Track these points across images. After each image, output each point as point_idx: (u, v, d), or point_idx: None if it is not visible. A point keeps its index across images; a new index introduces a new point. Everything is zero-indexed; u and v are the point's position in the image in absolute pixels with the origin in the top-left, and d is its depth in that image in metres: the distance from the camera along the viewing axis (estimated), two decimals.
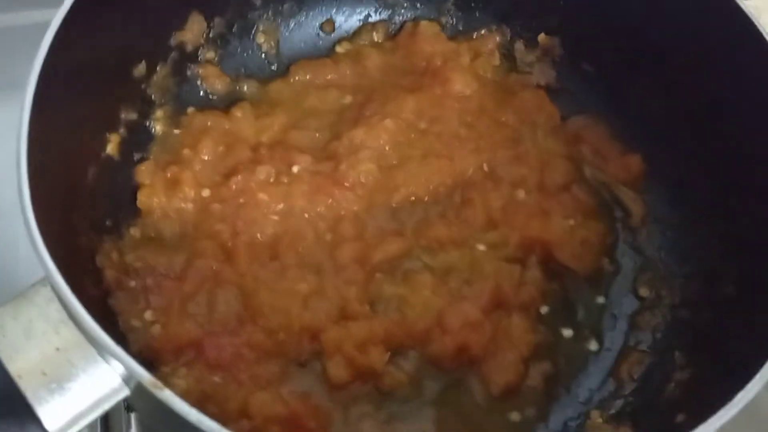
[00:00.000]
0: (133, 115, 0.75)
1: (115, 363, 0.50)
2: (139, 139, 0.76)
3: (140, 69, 0.74)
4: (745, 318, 0.65)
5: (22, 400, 0.48)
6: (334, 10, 0.87)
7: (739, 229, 0.70)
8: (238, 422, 0.63)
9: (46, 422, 0.48)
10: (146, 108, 0.77)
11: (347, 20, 0.88)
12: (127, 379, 0.50)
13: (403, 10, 0.88)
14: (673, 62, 0.76)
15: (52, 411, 0.49)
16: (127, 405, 0.69)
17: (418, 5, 0.88)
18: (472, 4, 0.87)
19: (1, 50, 0.93)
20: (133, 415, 0.71)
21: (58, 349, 0.50)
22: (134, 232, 0.72)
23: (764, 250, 0.67)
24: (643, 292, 0.75)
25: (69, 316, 0.50)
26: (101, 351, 0.50)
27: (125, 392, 0.51)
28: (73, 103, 0.64)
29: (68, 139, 0.64)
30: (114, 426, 0.71)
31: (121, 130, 0.73)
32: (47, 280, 0.51)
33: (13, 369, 0.49)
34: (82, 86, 0.64)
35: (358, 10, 0.88)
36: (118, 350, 0.48)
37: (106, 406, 0.50)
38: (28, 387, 0.49)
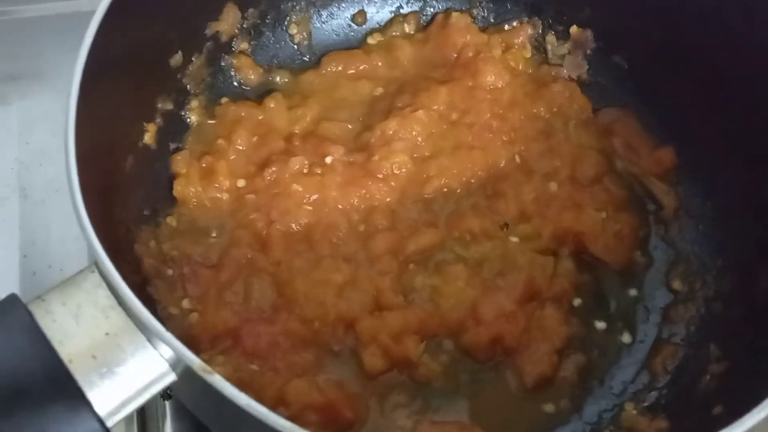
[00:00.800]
0: (169, 105, 0.75)
1: (163, 348, 0.50)
2: (174, 129, 0.76)
3: (176, 59, 0.75)
4: None
5: (72, 383, 0.49)
6: (366, 2, 0.88)
7: None
8: (276, 410, 0.63)
9: (96, 406, 0.49)
10: (181, 98, 0.77)
11: (379, 12, 0.88)
12: (175, 364, 0.51)
13: (434, 2, 0.88)
14: (705, 55, 0.76)
15: (102, 395, 0.49)
16: (164, 393, 0.70)
17: None
18: None
19: (30, 40, 0.94)
20: (168, 404, 0.72)
21: (107, 333, 0.50)
22: (171, 221, 0.73)
23: None
24: (677, 285, 0.75)
25: (118, 301, 0.51)
26: (150, 336, 0.50)
27: (172, 377, 0.51)
28: (114, 92, 0.64)
29: (109, 128, 0.65)
30: (149, 414, 0.72)
31: (158, 120, 0.74)
32: (95, 265, 0.52)
33: (64, 353, 0.49)
34: (122, 75, 0.65)
35: (390, 2, 0.88)
36: (167, 335, 0.49)
37: (154, 391, 0.51)
38: (78, 371, 0.49)
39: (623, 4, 0.81)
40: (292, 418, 0.62)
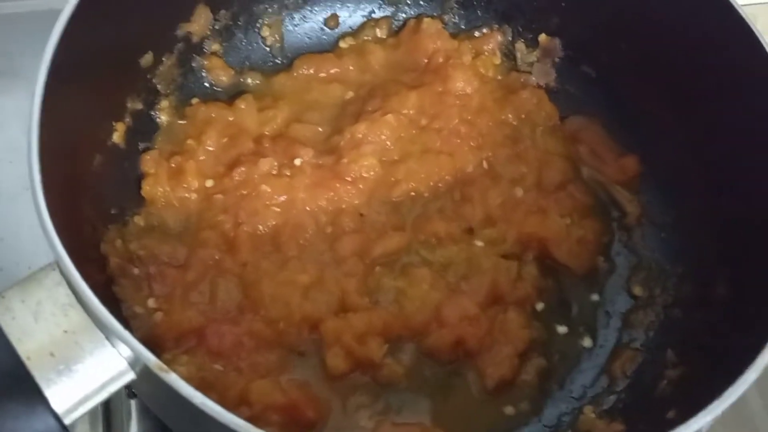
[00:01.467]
0: (138, 105, 0.76)
1: (121, 346, 0.51)
2: (144, 129, 0.77)
3: (147, 59, 0.75)
4: (736, 318, 0.66)
5: (30, 380, 0.49)
6: (339, 6, 0.88)
7: (731, 231, 0.72)
8: (238, 409, 0.64)
9: (54, 403, 0.49)
10: (152, 98, 0.78)
11: (351, 16, 0.89)
12: (133, 363, 0.51)
13: (406, 7, 0.89)
14: (671, 67, 0.77)
15: (59, 392, 0.50)
16: (129, 392, 0.70)
17: (422, 2, 0.89)
18: (474, 3, 0.88)
19: (4, 37, 0.94)
20: (133, 402, 0.72)
21: (66, 331, 0.51)
22: (138, 220, 0.73)
23: (755, 252, 0.68)
24: (637, 290, 0.77)
25: (77, 299, 0.51)
26: (108, 334, 0.51)
27: (131, 376, 0.52)
28: (82, 91, 0.65)
29: (76, 127, 0.65)
30: (115, 413, 0.72)
31: (127, 119, 0.74)
32: (56, 263, 0.52)
33: (22, 350, 0.49)
34: (90, 74, 0.65)
35: (362, 6, 0.89)
36: (126, 334, 0.49)
37: (112, 389, 0.51)
38: (36, 368, 0.49)
39: (592, 15, 0.82)
40: (254, 419, 0.64)
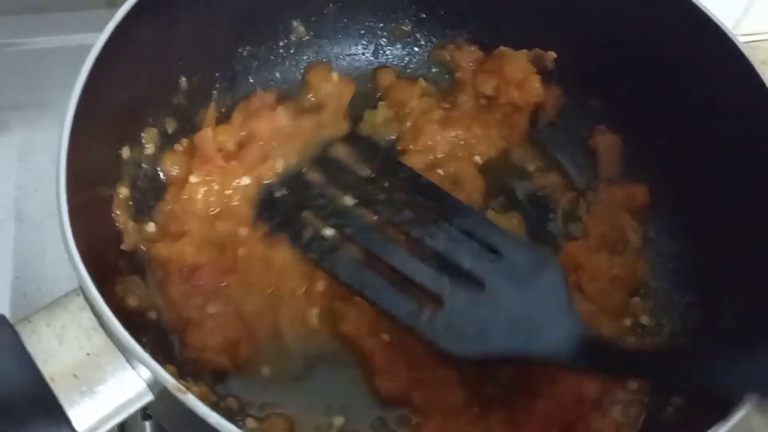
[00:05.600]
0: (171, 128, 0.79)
1: (141, 369, 0.53)
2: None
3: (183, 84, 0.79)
4: (743, 347, 0.67)
5: (54, 401, 0.51)
6: None
7: (739, 260, 0.73)
8: None
9: (76, 423, 0.51)
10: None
11: None
12: (152, 384, 0.53)
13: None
14: (678, 101, 0.79)
15: (81, 412, 0.52)
16: (144, 413, 0.72)
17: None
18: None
19: (35, 71, 0.98)
20: (148, 424, 0.74)
21: (89, 354, 0.53)
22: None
23: (762, 281, 0.69)
24: (645, 320, 0.78)
25: (100, 323, 0.54)
26: (129, 357, 0.53)
27: (150, 397, 0.54)
28: (110, 123, 0.68)
29: (101, 157, 0.69)
30: None
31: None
32: (80, 289, 0.55)
33: (47, 372, 0.52)
34: (117, 108, 0.69)
35: None
36: (145, 356, 0.52)
37: (132, 409, 0.53)
38: (60, 389, 0.52)
39: (599, 51, 0.84)
40: None
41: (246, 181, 0.77)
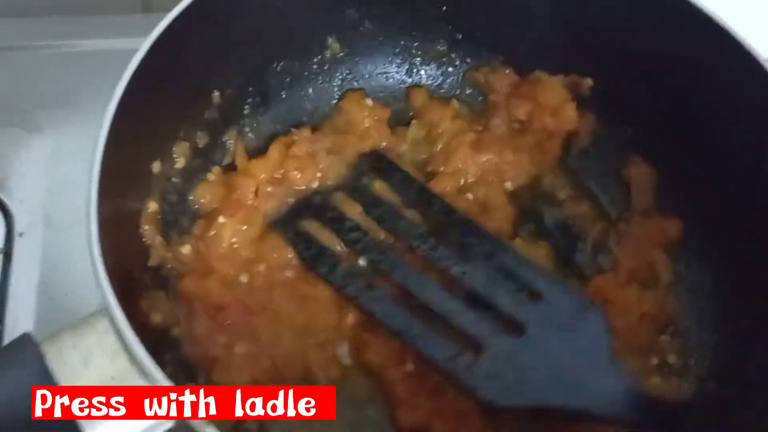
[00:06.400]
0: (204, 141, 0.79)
1: None
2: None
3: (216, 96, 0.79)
4: None
5: (75, 426, 0.51)
6: None
7: None
8: None
9: None
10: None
11: None
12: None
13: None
14: (718, 136, 0.77)
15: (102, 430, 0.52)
16: None
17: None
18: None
19: (70, 74, 0.99)
20: None
21: (113, 377, 0.53)
22: None
23: None
24: (671, 359, 0.76)
25: (124, 348, 0.54)
26: (151, 382, 0.53)
27: (169, 424, 0.54)
28: (145, 128, 0.69)
29: (134, 166, 0.69)
30: None
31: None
32: (106, 311, 0.55)
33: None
34: (156, 112, 0.69)
35: None
36: (166, 383, 0.51)
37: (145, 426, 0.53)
38: None
39: (633, 79, 0.82)
40: None
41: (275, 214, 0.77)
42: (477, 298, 0.68)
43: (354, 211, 0.77)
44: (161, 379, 0.52)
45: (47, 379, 0.52)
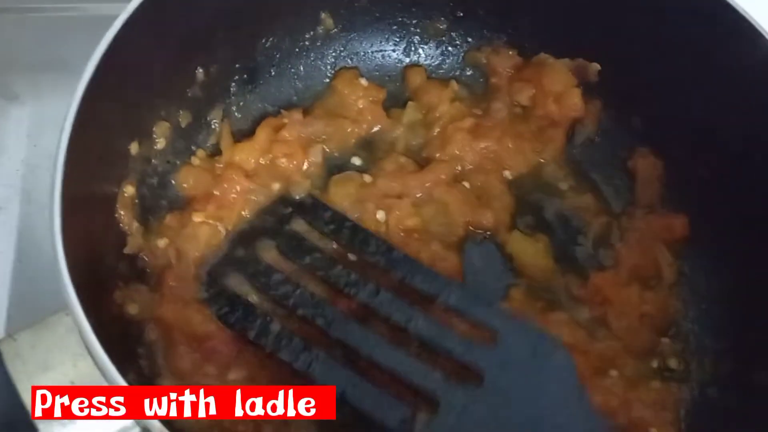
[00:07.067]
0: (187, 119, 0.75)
1: None
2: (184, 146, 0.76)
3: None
4: None
5: (33, 430, 0.48)
6: None
7: None
8: None
9: None
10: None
11: None
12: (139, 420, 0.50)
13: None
14: (729, 129, 0.73)
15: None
16: None
17: None
18: None
19: (54, 39, 0.93)
20: None
21: (72, 382, 0.50)
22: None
23: None
24: (673, 363, 0.73)
25: (87, 351, 0.50)
26: None
27: (136, 431, 0.50)
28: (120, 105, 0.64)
29: (107, 143, 0.65)
30: None
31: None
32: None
33: (27, 399, 0.49)
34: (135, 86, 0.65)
35: None
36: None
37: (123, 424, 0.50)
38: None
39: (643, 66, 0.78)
40: None
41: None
42: (427, 346, 0.62)
43: (278, 261, 0.68)
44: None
45: (3, 381, 0.49)
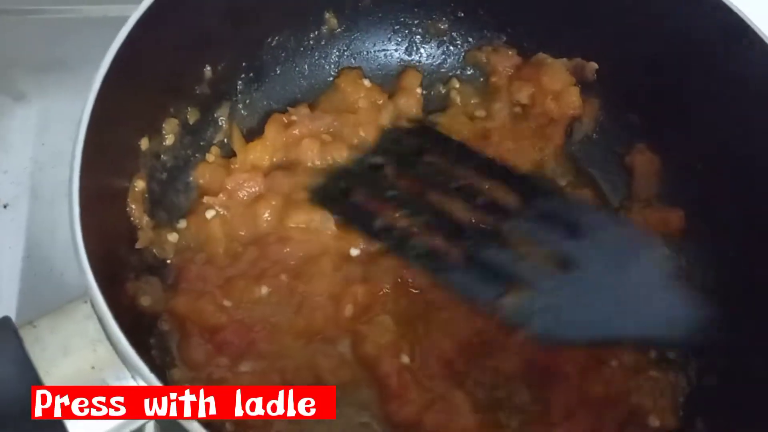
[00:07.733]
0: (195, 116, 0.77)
1: None
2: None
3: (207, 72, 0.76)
4: None
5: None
6: None
7: None
8: None
9: None
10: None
11: None
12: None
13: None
14: (724, 125, 0.75)
15: (81, 427, 0.50)
16: None
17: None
18: None
19: (61, 41, 0.95)
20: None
21: (93, 367, 0.51)
22: None
23: None
24: (671, 354, 0.75)
25: (106, 336, 0.51)
26: (135, 374, 0.51)
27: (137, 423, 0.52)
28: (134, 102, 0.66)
29: (122, 139, 0.67)
30: None
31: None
32: (87, 297, 0.53)
33: (49, 383, 0.50)
34: (146, 84, 0.67)
35: None
36: (151, 376, 0.49)
37: (133, 427, 0.51)
38: None
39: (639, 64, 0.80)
40: None
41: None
42: (522, 242, 0.66)
43: (387, 170, 0.76)
44: (146, 372, 0.50)
45: (25, 366, 0.50)
